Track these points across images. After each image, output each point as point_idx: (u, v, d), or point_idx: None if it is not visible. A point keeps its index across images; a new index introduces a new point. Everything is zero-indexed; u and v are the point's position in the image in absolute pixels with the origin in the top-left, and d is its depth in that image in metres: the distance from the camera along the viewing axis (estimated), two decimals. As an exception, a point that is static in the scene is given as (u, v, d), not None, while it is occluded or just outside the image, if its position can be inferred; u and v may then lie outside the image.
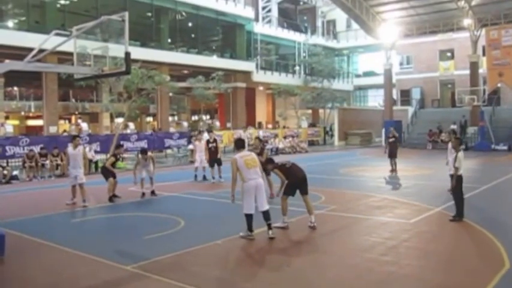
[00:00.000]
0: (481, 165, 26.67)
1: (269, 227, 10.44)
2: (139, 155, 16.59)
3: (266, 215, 10.42)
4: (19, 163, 23.73)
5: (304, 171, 11.64)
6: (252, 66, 45.80)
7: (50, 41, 10.21)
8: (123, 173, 19.88)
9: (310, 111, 56.87)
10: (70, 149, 15.21)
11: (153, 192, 16.41)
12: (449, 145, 15.84)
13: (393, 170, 22.30)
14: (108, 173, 15.86)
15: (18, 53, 20.91)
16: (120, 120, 32.93)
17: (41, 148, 23.81)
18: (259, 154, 14.94)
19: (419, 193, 16.21)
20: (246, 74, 45.66)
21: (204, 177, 20.73)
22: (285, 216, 11.43)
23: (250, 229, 10.45)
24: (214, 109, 51.64)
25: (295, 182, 11.41)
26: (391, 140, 22.79)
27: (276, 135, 39.92)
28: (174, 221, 12.22)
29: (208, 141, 20.59)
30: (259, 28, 48.89)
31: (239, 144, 11.29)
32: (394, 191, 17.36)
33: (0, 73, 11.02)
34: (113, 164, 16.34)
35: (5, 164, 22.73)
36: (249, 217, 10.38)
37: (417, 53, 52.13)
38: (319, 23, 61.03)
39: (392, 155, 22.42)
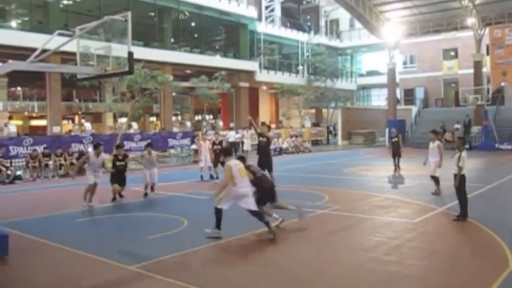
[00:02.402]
0: (485, 164, 26.63)
1: (267, 225, 10.54)
2: (145, 150, 16.83)
3: (255, 213, 10.59)
4: (22, 163, 23.75)
5: (272, 183, 11.78)
6: (255, 66, 45.80)
7: (53, 41, 10.19)
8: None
9: (313, 110, 56.87)
10: (93, 157, 14.85)
11: (147, 194, 16.44)
12: (431, 144, 16.02)
13: (396, 170, 22.33)
14: (112, 177, 15.65)
15: (22, 53, 20.97)
16: (123, 120, 32.98)
17: (44, 148, 23.84)
18: (267, 142, 15.82)
19: (422, 193, 16.17)
20: (249, 74, 45.67)
21: (211, 177, 20.74)
22: (272, 214, 11.44)
23: (219, 226, 10.50)
24: (218, 109, 51.62)
25: (263, 191, 11.41)
26: (394, 140, 22.83)
27: (279, 135, 39.95)
28: (178, 221, 12.21)
29: (213, 143, 20.47)
30: (262, 28, 48.87)
31: (228, 152, 11.46)
32: (398, 190, 17.34)
33: (4, 73, 10.99)
34: (114, 165, 15.99)
35: (8, 164, 22.74)
36: (219, 212, 10.45)
37: (421, 52, 52.08)
38: (322, 23, 61.02)
39: (396, 155, 22.45)
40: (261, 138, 15.90)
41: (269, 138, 16.07)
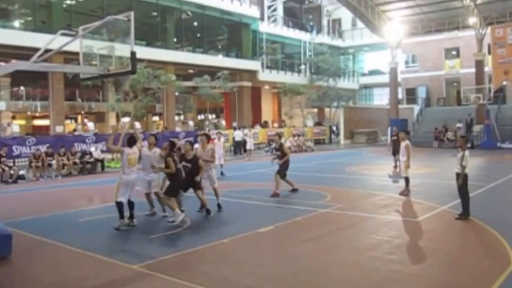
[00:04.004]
0: (487, 163, 26.61)
1: (131, 216, 11.76)
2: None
3: (132, 205, 11.78)
4: (25, 163, 23.79)
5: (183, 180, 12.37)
6: (257, 65, 45.83)
7: (56, 41, 10.22)
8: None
9: (316, 110, 56.85)
10: (145, 149, 12.92)
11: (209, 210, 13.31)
12: (402, 144, 16.02)
13: (396, 166, 22.63)
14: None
15: (25, 53, 20.96)
16: (126, 119, 33.02)
17: (47, 147, 23.88)
18: (278, 149, 16.43)
19: (425, 191, 16.18)
20: (252, 73, 45.72)
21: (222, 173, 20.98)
22: (177, 209, 11.85)
23: (122, 217, 11.43)
24: (220, 108, 51.70)
25: (179, 185, 12.19)
26: (394, 138, 23.12)
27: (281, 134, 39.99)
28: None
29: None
30: (265, 27, 48.92)
31: (131, 142, 11.96)
32: (400, 189, 17.30)
33: (7, 73, 11.06)
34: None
35: (11, 164, 22.79)
36: (120, 205, 11.44)
37: (423, 51, 52.04)
38: (324, 22, 61.04)
39: (396, 152, 22.72)
40: (278, 153, 16.49)
41: (282, 148, 16.46)
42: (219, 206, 13.40)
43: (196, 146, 14.60)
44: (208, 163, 13.38)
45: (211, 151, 13.60)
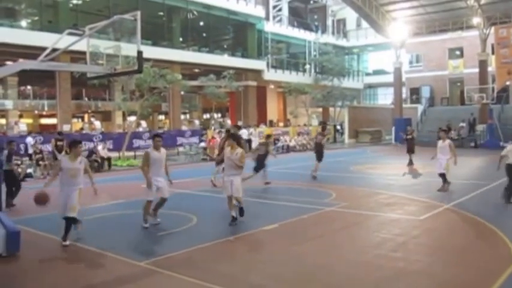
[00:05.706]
0: (490, 162, 26.51)
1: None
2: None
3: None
4: (32, 161, 23.92)
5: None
6: (263, 65, 45.90)
7: (63, 40, 10.33)
8: (135, 171, 19.95)
9: (320, 109, 56.88)
10: (153, 151, 11.57)
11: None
12: (443, 143, 16.08)
13: (410, 163, 23.68)
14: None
15: (32, 52, 21.07)
16: (132, 118, 33.19)
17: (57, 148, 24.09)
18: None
19: (428, 190, 16.21)
20: (257, 73, 45.81)
21: None
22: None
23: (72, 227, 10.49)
24: (226, 107, 51.83)
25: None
26: (409, 137, 24.27)
27: (285, 133, 40.14)
28: (187, 217, 12.32)
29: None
30: (270, 27, 48.99)
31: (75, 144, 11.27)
32: (404, 188, 17.40)
33: (14, 72, 11.19)
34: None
35: (19, 162, 22.91)
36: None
37: (427, 51, 51.98)
38: (329, 22, 61.04)
39: (410, 151, 24.03)
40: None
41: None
42: (241, 209, 11.77)
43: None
44: (238, 168, 11.48)
45: (241, 154, 11.50)
